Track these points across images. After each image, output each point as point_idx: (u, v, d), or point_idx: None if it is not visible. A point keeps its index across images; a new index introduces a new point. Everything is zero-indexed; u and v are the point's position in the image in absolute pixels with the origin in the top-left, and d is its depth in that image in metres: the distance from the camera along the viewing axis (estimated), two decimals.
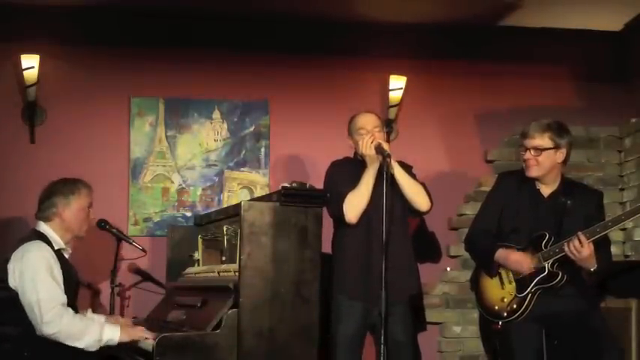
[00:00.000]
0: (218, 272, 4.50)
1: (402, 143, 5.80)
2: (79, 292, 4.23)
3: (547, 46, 6.09)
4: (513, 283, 4.27)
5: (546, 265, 4.18)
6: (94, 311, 4.58)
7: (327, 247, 4.44)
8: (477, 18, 5.88)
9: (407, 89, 5.91)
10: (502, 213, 4.38)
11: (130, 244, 5.24)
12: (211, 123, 5.85)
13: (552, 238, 4.19)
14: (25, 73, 5.50)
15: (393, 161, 4.25)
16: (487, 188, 5.00)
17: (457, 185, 5.88)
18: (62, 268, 3.99)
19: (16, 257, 3.94)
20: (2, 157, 5.57)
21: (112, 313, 5.17)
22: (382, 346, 3.94)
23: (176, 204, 5.77)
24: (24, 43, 5.57)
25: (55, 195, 4.11)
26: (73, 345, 3.87)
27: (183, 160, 5.80)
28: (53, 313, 3.84)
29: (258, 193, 5.76)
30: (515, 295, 4.24)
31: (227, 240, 4.55)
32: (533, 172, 4.28)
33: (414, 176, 4.49)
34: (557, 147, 4.25)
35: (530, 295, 4.20)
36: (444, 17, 5.84)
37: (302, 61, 5.92)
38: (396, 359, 4.25)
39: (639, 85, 5.98)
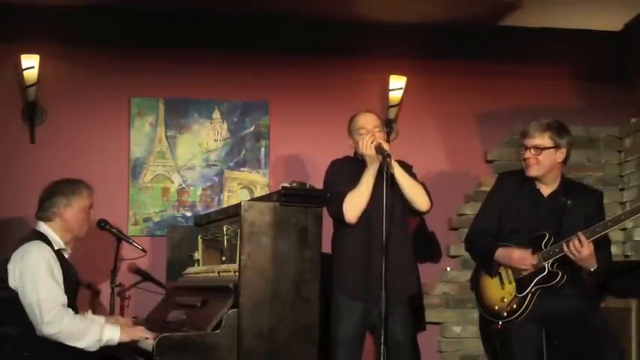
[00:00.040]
0: (218, 272, 4.50)
1: (402, 143, 5.80)
2: (78, 292, 4.23)
3: (547, 46, 6.09)
4: (513, 283, 4.27)
5: (546, 265, 4.18)
6: (94, 312, 4.59)
7: (327, 247, 4.44)
8: (477, 18, 5.88)
9: (407, 89, 5.91)
10: (502, 213, 4.38)
11: (130, 244, 5.24)
12: (211, 123, 5.85)
13: (552, 238, 4.19)
14: (25, 73, 5.50)
15: (393, 161, 4.25)
16: (487, 188, 5.00)
17: (457, 185, 5.88)
18: (62, 268, 3.98)
19: (16, 257, 3.93)
20: (2, 157, 5.57)
21: (112, 313, 5.17)
22: (382, 346, 3.94)
23: (176, 204, 5.77)
24: (24, 43, 5.57)
25: (56, 195, 4.11)
26: (73, 345, 3.87)
27: (183, 160, 5.80)
28: (53, 313, 3.83)
29: (258, 193, 5.76)
30: (515, 295, 4.24)
31: (227, 240, 4.55)
32: (533, 171, 4.28)
33: (414, 176, 4.49)
34: (557, 146, 4.25)
35: (530, 295, 4.20)
36: (444, 17, 5.84)
37: (302, 61, 5.93)
38: (396, 359, 4.25)
39: (639, 85, 5.98)
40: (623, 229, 5.59)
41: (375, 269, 4.09)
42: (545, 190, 4.33)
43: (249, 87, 5.87)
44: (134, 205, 5.71)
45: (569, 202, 4.26)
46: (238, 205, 4.13)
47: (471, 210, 5.56)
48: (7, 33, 5.59)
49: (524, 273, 4.24)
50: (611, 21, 6.00)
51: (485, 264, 4.38)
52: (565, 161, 4.31)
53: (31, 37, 5.58)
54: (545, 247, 4.19)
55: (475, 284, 4.46)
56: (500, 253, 4.28)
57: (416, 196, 4.41)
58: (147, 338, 3.99)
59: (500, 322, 4.27)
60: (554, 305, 4.19)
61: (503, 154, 5.91)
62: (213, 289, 4.30)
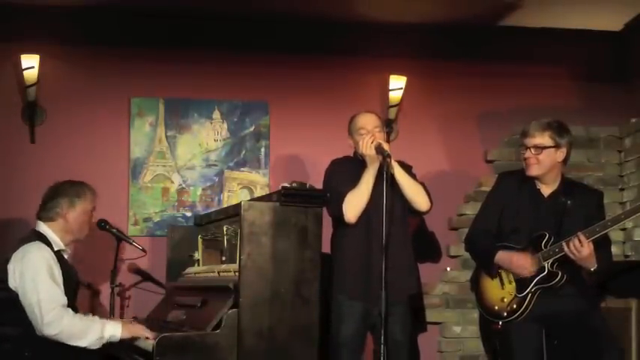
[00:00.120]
0: (218, 272, 4.50)
1: (402, 143, 5.80)
2: (78, 292, 4.23)
3: (547, 46, 6.09)
4: (513, 283, 4.27)
5: (546, 264, 4.18)
6: (93, 313, 4.59)
7: (327, 247, 4.44)
8: (477, 18, 5.88)
9: (407, 89, 5.91)
10: (502, 213, 4.38)
11: (130, 244, 5.24)
12: (211, 123, 5.85)
13: (552, 238, 4.19)
14: (25, 73, 5.50)
15: (393, 161, 4.25)
16: (487, 188, 5.00)
17: (457, 185, 5.88)
18: (62, 268, 3.98)
19: (16, 258, 3.93)
20: (2, 157, 5.57)
21: (112, 313, 5.18)
22: (382, 346, 3.94)
23: (176, 204, 5.77)
24: (24, 43, 5.57)
25: (60, 196, 4.11)
26: (75, 344, 3.87)
27: (183, 160, 5.80)
28: (54, 314, 3.83)
29: (258, 193, 5.76)
30: (515, 295, 4.24)
31: (227, 240, 4.55)
32: (533, 170, 4.28)
33: (413, 176, 4.49)
34: (557, 146, 4.25)
35: (530, 295, 4.20)
36: (444, 17, 5.84)
37: (302, 61, 5.93)
38: (395, 359, 4.24)
39: (639, 85, 5.98)
40: (623, 229, 5.58)
41: (375, 269, 4.09)
42: (546, 190, 4.33)
43: (249, 87, 5.87)
44: (134, 205, 5.71)
45: (569, 202, 4.26)
46: (238, 205, 4.13)
47: (471, 210, 5.56)
48: (7, 33, 5.59)
49: None
50: (611, 21, 6.00)
51: (485, 264, 4.38)
52: (565, 161, 4.31)
53: (31, 37, 5.58)
54: (545, 247, 4.19)
55: (475, 284, 4.46)
56: (501, 257, 4.27)
57: (416, 196, 4.41)
58: (147, 338, 3.99)
59: (500, 322, 4.27)
60: (554, 305, 4.19)
61: (503, 154, 5.91)
62: (213, 289, 4.30)
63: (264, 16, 5.81)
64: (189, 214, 5.72)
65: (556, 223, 4.23)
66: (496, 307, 4.30)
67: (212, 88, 5.85)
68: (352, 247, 4.42)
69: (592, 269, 4.11)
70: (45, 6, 5.54)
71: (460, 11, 5.77)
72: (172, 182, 5.78)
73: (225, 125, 5.86)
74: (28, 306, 3.86)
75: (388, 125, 5.81)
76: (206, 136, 5.84)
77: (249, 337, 3.95)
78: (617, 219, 4.11)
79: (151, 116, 5.77)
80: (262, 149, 5.87)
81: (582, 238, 4.03)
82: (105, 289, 5.36)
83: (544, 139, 4.24)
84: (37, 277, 3.86)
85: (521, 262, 4.21)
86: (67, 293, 3.94)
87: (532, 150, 4.25)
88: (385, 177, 4.05)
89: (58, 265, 3.97)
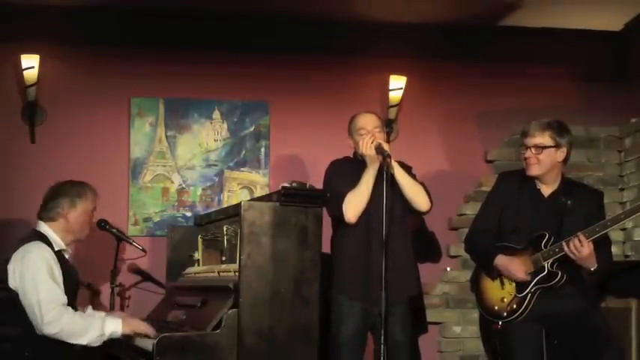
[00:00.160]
0: (218, 272, 4.50)
1: (402, 143, 5.80)
2: (78, 292, 4.23)
3: (547, 46, 6.09)
4: (513, 283, 4.26)
5: (546, 264, 4.18)
6: (94, 309, 4.58)
7: (327, 247, 4.44)
8: (477, 18, 5.88)
9: (407, 89, 5.91)
10: (502, 213, 4.37)
11: (130, 244, 5.25)
12: (211, 123, 5.85)
13: (552, 238, 4.18)
14: (25, 73, 5.50)
15: (393, 161, 4.25)
16: (487, 188, 5.00)
17: (457, 185, 5.88)
18: (62, 268, 3.98)
19: (16, 258, 3.93)
20: (2, 157, 5.57)
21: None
22: (382, 346, 3.93)
23: (176, 204, 5.77)
24: (24, 43, 5.57)
25: (61, 196, 4.11)
26: (76, 342, 3.87)
27: (183, 160, 5.80)
28: (54, 313, 3.84)
29: (258, 193, 5.76)
30: (515, 295, 4.24)
31: (227, 240, 4.55)
32: (533, 170, 4.28)
33: (413, 176, 4.49)
34: (557, 145, 4.25)
35: (530, 295, 4.20)
36: (444, 17, 5.84)
37: (302, 61, 5.93)
38: (394, 359, 4.24)
39: (639, 85, 5.98)
40: (623, 229, 5.58)
41: (375, 269, 4.09)
42: (546, 190, 4.33)
43: (249, 87, 5.87)
44: (134, 205, 5.71)
45: (569, 202, 4.26)
46: (238, 205, 4.13)
47: (471, 210, 5.56)
48: (7, 33, 5.59)
49: None
50: (611, 21, 6.00)
51: (485, 264, 4.38)
52: (565, 161, 4.31)
53: (31, 37, 5.58)
54: (545, 246, 4.19)
55: (475, 284, 4.46)
56: (500, 262, 4.26)
57: (416, 196, 4.41)
58: (147, 335, 3.99)
59: (500, 322, 4.27)
60: (554, 305, 4.19)
61: (503, 154, 5.91)
62: (213, 289, 4.30)
63: (264, 16, 5.81)
64: (189, 214, 5.72)
65: (556, 223, 4.23)
66: (496, 307, 4.30)
67: (212, 88, 5.85)
68: (352, 247, 4.42)
69: (592, 269, 4.11)
70: (45, 6, 5.54)
71: (460, 11, 5.77)
72: (172, 182, 5.78)
73: (225, 125, 5.86)
74: (28, 306, 3.87)
75: (388, 125, 5.81)
76: (206, 136, 5.84)
77: (249, 337, 3.95)
78: (617, 219, 4.11)
79: (151, 116, 5.77)
80: (262, 149, 5.87)
81: (582, 238, 4.03)
82: (105, 289, 5.36)
83: (544, 138, 4.24)
84: (37, 277, 3.86)
85: (518, 271, 4.20)
86: (67, 293, 3.94)
87: (532, 150, 4.25)
88: (385, 177, 4.04)
89: (59, 264, 3.97)
